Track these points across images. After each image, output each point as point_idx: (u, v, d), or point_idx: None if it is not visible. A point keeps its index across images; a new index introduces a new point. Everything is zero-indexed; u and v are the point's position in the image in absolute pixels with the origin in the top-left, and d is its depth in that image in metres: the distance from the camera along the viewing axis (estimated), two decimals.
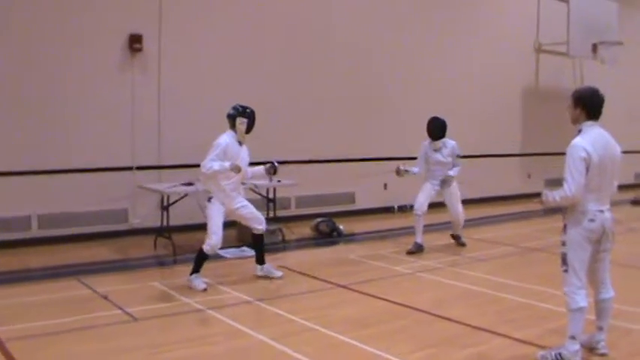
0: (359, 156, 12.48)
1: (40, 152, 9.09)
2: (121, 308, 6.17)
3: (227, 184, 7.04)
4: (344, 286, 7.18)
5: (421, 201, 9.14)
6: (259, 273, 7.57)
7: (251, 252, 8.59)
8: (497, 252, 9.36)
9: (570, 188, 4.59)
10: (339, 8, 12.19)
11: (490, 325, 5.75)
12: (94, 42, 9.46)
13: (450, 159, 9.14)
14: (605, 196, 4.79)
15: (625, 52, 16.46)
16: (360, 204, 12.66)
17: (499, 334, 5.51)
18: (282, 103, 11.12)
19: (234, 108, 7.17)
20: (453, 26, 13.94)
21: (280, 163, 7.51)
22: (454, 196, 9.26)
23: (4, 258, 8.22)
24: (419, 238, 9.11)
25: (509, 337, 5.43)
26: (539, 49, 16.05)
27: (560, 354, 4.73)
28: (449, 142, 9.18)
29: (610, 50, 16.00)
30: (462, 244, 9.55)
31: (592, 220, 4.68)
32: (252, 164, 7.38)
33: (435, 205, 9.35)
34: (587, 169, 4.60)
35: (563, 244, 4.78)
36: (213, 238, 6.94)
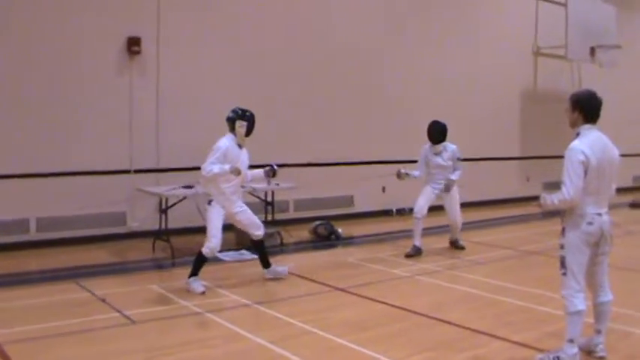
0: (357, 159, 12.48)
1: (38, 155, 9.08)
2: (119, 311, 6.16)
3: (227, 187, 7.05)
4: (342, 289, 7.18)
5: (421, 204, 9.14)
6: (268, 276, 7.60)
7: (250, 255, 8.64)
8: (495, 255, 9.37)
9: (569, 191, 4.60)
10: (337, 12, 12.20)
11: (489, 328, 5.75)
12: (92, 45, 9.47)
13: (450, 163, 9.14)
14: (603, 199, 4.79)
15: (623, 56, 16.50)
16: (359, 207, 12.66)
17: (498, 338, 5.50)
18: (281, 106, 11.12)
19: (234, 111, 7.17)
20: (451, 30, 13.95)
21: (279, 166, 7.52)
22: (454, 199, 9.27)
23: (3, 261, 8.21)
24: (417, 242, 9.11)
25: (508, 341, 5.42)
26: (537, 53, 16.08)
27: (558, 357, 4.73)
28: (449, 146, 9.19)
29: (608, 53, 16.03)
30: (461, 247, 9.55)
31: (590, 224, 4.68)
32: (251, 167, 7.40)
33: (434, 209, 9.35)
34: (586, 173, 4.61)
35: (562, 247, 4.78)
36: (213, 241, 6.94)
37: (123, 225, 9.87)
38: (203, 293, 6.82)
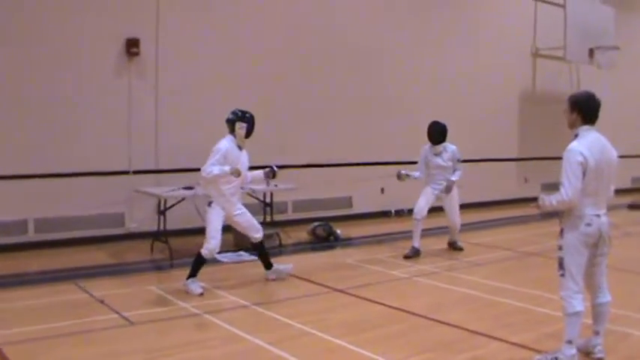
0: (356, 160, 12.48)
1: (36, 156, 9.08)
2: (117, 312, 6.15)
3: (227, 189, 7.05)
4: (341, 291, 7.18)
5: (421, 205, 9.14)
6: (270, 277, 7.61)
7: (248, 256, 8.66)
8: (494, 256, 9.37)
9: (567, 192, 4.60)
10: (335, 13, 12.21)
11: (487, 329, 5.75)
12: (91, 46, 9.47)
13: (450, 163, 9.14)
14: (601, 201, 4.79)
15: (621, 57, 16.51)
16: (357, 208, 12.67)
17: (496, 339, 5.50)
18: (279, 107, 11.11)
19: (234, 113, 7.17)
20: (450, 31, 13.96)
21: (278, 167, 7.52)
22: (454, 201, 9.27)
23: (1, 262, 8.20)
24: (416, 243, 9.11)
25: (506, 342, 5.42)
26: (536, 54, 16.09)
27: (556, 358, 4.74)
28: (449, 147, 9.19)
29: (606, 55, 16.06)
30: (460, 249, 9.56)
31: (589, 225, 4.69)
32: (250, 168, 7.40)
33: (432, 210, 9.34)
34: (584, 174, 4.61)
35: (560, 248, 4.79)
36: (212, 243, 6.95)
37: (121, 226, 9.87)
38: (201, 294, 6.82)
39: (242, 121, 7.10)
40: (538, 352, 5.05)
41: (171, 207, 8.99)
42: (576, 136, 4.78)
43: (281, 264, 7.84)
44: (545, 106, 15.51)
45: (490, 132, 14.79)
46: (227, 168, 6.79)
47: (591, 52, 15.73)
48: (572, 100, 4.84)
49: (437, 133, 9.16)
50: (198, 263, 7.01)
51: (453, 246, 9.62)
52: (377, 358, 5.02)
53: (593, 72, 15.96)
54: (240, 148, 7.16)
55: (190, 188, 8.84)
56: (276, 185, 9.53)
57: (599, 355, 4.94)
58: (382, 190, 12.89)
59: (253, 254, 8.28)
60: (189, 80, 10.32)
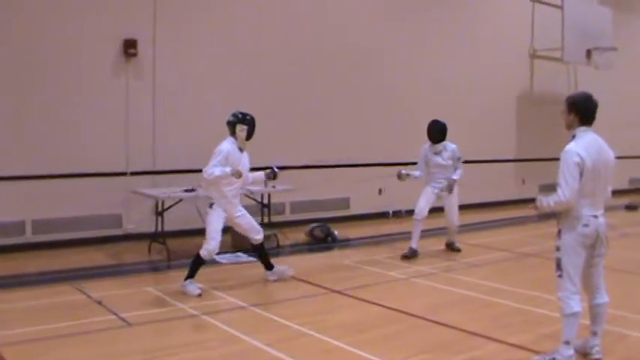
0: (354, 161, 12.48)
1: (34, 157, 9.07)
2: (115, 313, 6.15)
3: (229, 190, 7.06)
4: (339, 292, 7.18)
5: (422, 206, 9.13)
6: (271, 278, 7.61)
7: (246, 257, 8.66)
8: (491, 257, 9.38)
9: (564, 193, 4.61)
10: (334, 13, 12.21)
11: (485, 330, 5.75)
12: (88, 47, 9.46)
13: (450, 162, 9.14)
14: (599, 202, 4.80)
15: (619, 58, 16.52)
16: (355, 209, 12.66)
17: (494, 340, 5.51)
18: (277, 108, 11.09)
19: (234, 115, 7.17)
20: (448, 31, 13.96)
21: (277, 168, 7.53)
22: (454, 201, 9.27)
23: None
24: (414, 244, 9.10)
25: (504, 343, 5.43)
26: (533, 55, 16.10)
27: (554, 359, 4.74)
28: (449, 145, 9.18)
29: (604, 56, 16.07)
30: (457, 250, 9.56)
31: (586, 226, 4.70)
32: (250, 170, 7.40)
33: (431, 211, 9.31)
34: (581, 175, 4.62)
35: (558, 249, 4.79)
36: (212, 244, 6.95)
37: (119, 227, 9.86)
38: (199, 296, 6.82)
39: (243, 123, 7.11)
40: (536, 352, 5.05)
41: (168, 208, 8.99)
42: (574, 137, 4.79)
43: (281, 265, 7.83)
44: (542, 107, 15.52)
45: (488, 133, 14.77)
46: (228, 169, 6.80)
47: (589, 53, 15.74)
48: (570, 101, 4.85)
49: (437, 132, 9.15)
50: (197, 264, 7.01)
51: (451, 247, 9.63)
52: (374, 359, 5.02)
53: (591, 73, 15.97)
54: (241, 150, 7.16)
55: (192, 190, 8.82)
56: (273, 186, 9.52)
57: (596, 356, 4.94)
58: (380, 191, 12.89)
59: (251, 255, 8.28)
60: (186, 81, 10.32)
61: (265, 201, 10.18)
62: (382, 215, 13.01)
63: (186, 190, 8.85)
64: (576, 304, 4.68)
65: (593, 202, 4.74)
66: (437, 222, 9.80)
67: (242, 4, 10.96)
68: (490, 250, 9.89)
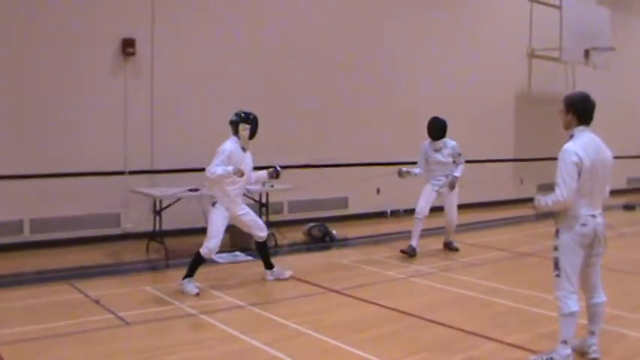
0: (352, 161, 12.48)
1: (32, 156, 9.07)
2: (113, 313, 6.15)
3: (232, 189, 7.07)
4: (336, 291, 7.18)
5: (423, 205, 9.13)
6: (270, 278, 7.62)
7: (244, 257, 8.66)
8: (489, 257, 9.38)
9: (562, 193, 4.61)
10: (333, 13, 12.20)
11: (482, 329, 5.76)
12: (86, 46, 9.44)
13: (450, 159, 9.13)
14: (597, 201, 4.81)
15: (617, 58, 16.56)
16: (353, 209, 12.66)
17: (491, 339, 5.51)
18: (275, 108, 11.06)
19: (237, 114, 7.17)
20: (447, 31, 13.96)
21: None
22: (453, 199, 9.27)
23: None
24: (414, 242, 9.09)
25: (501, 342, 5.43)
26: (531, 55, 16.11)
27: (551, 358, 4.75)
28: (449, 142, 9.18)
29: (602, 56, 16.10)
30: (455, 249, 9.56)
31: (584, 225, 4.70)
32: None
33: (430, 210, 9.29)
34: (579, 174, 4.62)
35: (556, 248, 4.80)
36: (212, 242, 6.96)
37: (117, 226, 9.85)
38: (197, 295, 6.82)
39: (245, 122, 7.11)
40: (533, 352, 5.06)
41: (166, 207, 8.99)
42: (571, 136, 4.80)
43: (281, 266, 7.84)
44: (540, 107, 15.54)
45: (486, 132, 14.78)
46: (230, 168, 6.80)
47: (587, 53, 15.76)
48: (568, 101, 4.85)
49: (437, 129, 9.14)
50: (196, 263, 7.01)
51: (449, 246, 9.63)
52: (372, 358, 5.02)
53: (589, 73, 16.00)
54: (244, 149, 7.17)
55: (196, 190, 8.78)
56: (272, 186, 9.53)
57: (594, 356, 4.95)
58: (378, 191, 12.90)
59: (249, 255, 8.27)
60: (184, 80, 10.31)
61: (263, 200, 10.17)
62: (380, 215, 13.01)
63: (191, 190, 8.84)
64: (574, 303, 4.68)
65: (591, 201, 4.75)
66: (434, 222, 9.80)
67: (241, 4, 10.95)
68: (488, 249, 9.90)
